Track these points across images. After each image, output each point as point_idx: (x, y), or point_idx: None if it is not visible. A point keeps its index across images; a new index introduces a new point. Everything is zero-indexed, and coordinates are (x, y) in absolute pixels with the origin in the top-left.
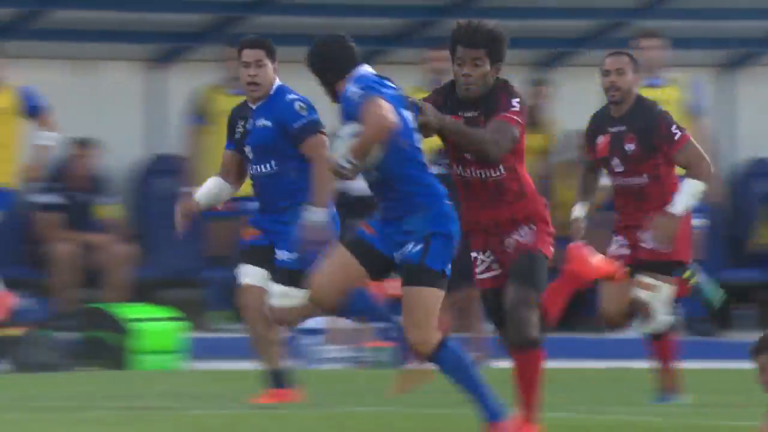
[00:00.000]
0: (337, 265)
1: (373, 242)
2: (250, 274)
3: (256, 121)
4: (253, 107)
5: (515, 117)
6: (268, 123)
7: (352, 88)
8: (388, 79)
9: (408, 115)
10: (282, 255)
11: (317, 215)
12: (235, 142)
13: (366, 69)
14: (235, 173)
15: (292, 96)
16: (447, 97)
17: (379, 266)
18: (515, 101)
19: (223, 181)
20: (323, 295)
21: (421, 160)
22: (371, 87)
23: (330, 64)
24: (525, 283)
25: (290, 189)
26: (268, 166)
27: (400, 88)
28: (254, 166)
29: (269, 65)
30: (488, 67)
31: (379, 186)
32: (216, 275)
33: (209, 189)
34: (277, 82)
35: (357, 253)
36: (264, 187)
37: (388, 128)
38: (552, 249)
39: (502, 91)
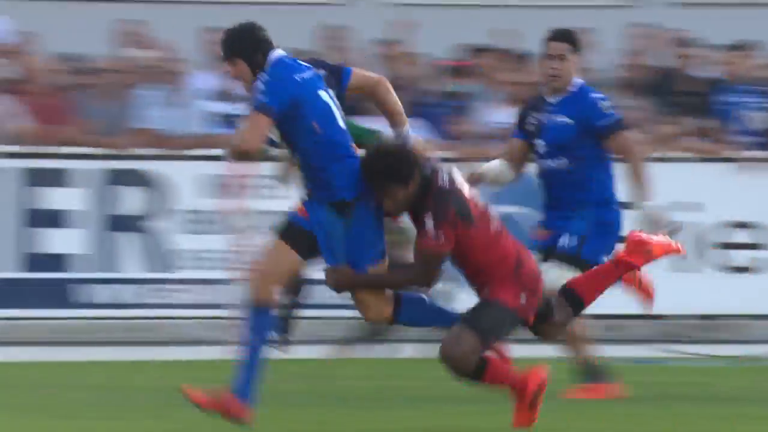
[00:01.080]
0: (272, 256)
1: (302, 224)
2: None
3: (556, 117)
4: (552, 102)
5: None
6: (569, 120)
7: (260, 79)
8: (307, 62)
9: (326, 96)
10: (564, 241)
11: (651, 206)
12: (526, 134)
13: (280, 53)
14: (518, 161)
15: (595, 95)
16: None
17: (309, 246)
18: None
19: (507, 164)
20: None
21: (337, 141)
22: (269, 83)
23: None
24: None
25: (581, 186)
26: (561, 162)
27: (324, 65)
28: (545, 161)
29: (572, 59)
30: None
31: (301, 168)
32: None
33: (495, 166)
34: (579, 80)
35: (288, 238)
36: (554, 182)
37: (244, 150)
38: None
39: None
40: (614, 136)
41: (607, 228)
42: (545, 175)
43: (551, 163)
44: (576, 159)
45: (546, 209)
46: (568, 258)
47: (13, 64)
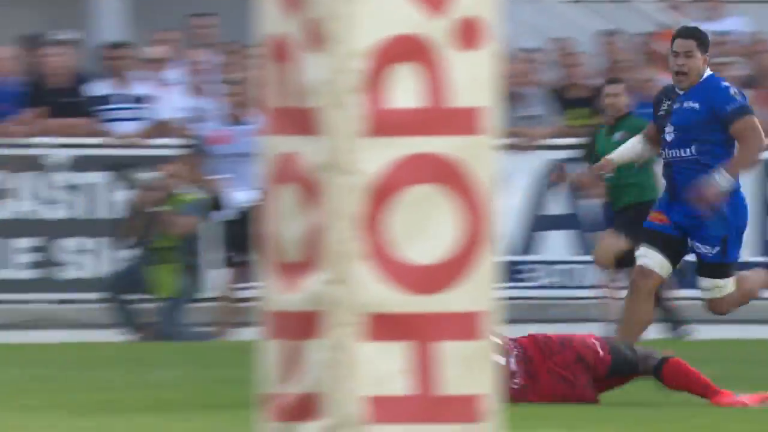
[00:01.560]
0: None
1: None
2: (650, 257)
3: (684, 102)
4: (682, 91)
5: None
6: (696, 105)
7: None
8: None
9: None
10: (702, 248)
11: (723, 180)
12: (657, 119)
13: None
14: (655, 141)
15: (725, 83)
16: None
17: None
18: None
19: (645, 142)
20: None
21: None
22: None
23: None
24: None
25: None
26: (687, 150)
27: None
28: (671, 151)
29: (698, 56)
30: None
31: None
32: None
33: (631, 145)
34: (708, 72)
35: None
36: (678, 172)
37: None
38: None
39: None
40: (738, 122)
41: (740, 221)
42: (671, 164)
43: (678, 152)
44: (702, 146)
45: (668, 199)
46: (716, 266)
47: (749, 62)
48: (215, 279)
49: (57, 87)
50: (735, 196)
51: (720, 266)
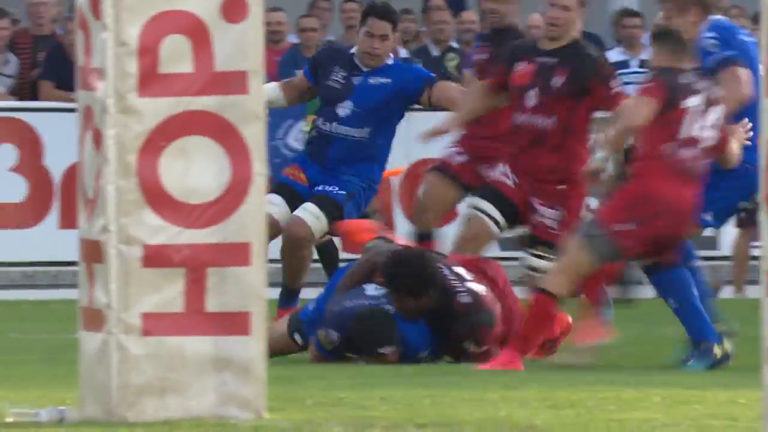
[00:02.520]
0: None
1: None
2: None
3: (369, 79)
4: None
5: None
6: (388, 80)
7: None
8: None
9: None
10: (327, 187)
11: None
12: (325, 87)
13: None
14: (294, 97)
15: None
16: None
17: None
18: None
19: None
20: None
21: None
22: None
23: None
24: None
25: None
26: (361, 131)
27: None
28: (341, 127)
29: (392, 38)
30: None
31: None
32: None
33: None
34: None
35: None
36: (337, 150)
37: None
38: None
39: None
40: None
41: None
42: (328, 139)
43: (348, 130)
44: (378, 129)
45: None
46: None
47: None
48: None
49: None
50: None
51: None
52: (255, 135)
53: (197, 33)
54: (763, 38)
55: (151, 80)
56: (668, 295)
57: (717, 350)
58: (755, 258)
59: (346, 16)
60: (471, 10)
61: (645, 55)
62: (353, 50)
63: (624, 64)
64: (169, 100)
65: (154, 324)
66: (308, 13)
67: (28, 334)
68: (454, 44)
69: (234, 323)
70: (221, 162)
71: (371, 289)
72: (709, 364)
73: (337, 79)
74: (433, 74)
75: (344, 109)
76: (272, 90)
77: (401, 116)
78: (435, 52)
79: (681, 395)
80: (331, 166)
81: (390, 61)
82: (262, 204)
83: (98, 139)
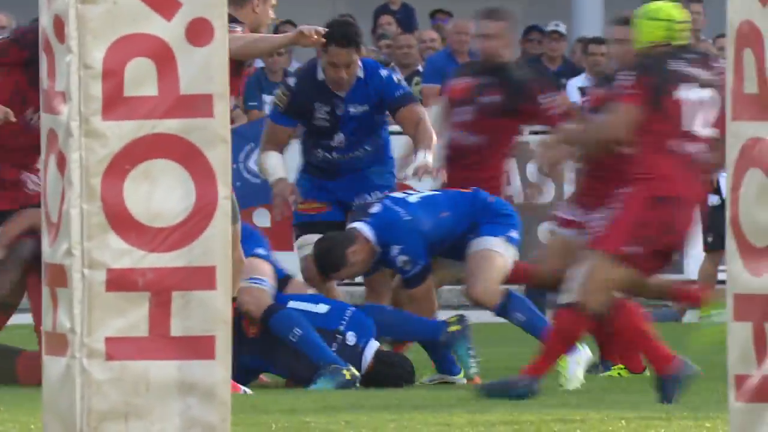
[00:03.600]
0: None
1: None
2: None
3: (349, 107)
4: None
5: None
6: (365, 106)
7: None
8: None
9: None
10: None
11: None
12: (311, 126)
13: None
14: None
15: (383, 71)
16: None
17: None
18: None
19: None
20: None
21: None
22: None
23: None
24: None
25: None
26: (361, 149)
27: None
28: (345, 153)
29: (357, 61)
30: None
31: None
32: None
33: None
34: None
35: None
36: (348, 165)
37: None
38: None
39: None
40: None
41: None
42: (338, 163)
43: (351, 153)
44: (376, 138)
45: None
46: None
47: None
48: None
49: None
50: None
51: None
52: (220, 158)
53: (162, 56)
54: (729, 60)
55: (115, 103)
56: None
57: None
58: (722, 282)
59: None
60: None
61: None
62: (321, 76)
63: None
64: (133, 123)
65: (118, 348)
66: None
67: None
68: (419, 68)
69: (199, 347)
70: (186, 185)
71: None
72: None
73: (322, 116)
74: (408, 91)
75: (338, 140)
76: (280, 166)
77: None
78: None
79: (647, 419)
80: (350, 176)
81: (361, 73)
82: (228, 228)
83: (62, 163)
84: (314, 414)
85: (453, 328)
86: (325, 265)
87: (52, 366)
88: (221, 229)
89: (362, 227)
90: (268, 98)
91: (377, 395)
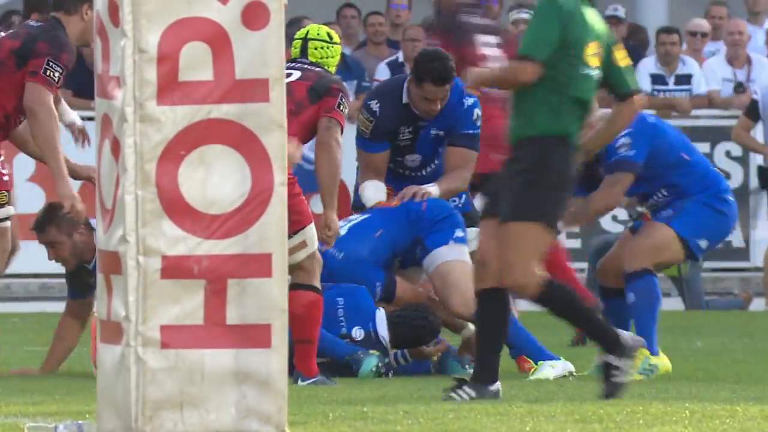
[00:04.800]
0: None
1: None
2: None
3: (430, 131)
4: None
5: None
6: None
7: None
8: None
9: None
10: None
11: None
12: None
13: None
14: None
15: (466, 103)
16: None
17: None
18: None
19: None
20: None
21: None
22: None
23: None
24: None
25: None
26: (428, 168)
27: None
28: (415, 172)
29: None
30: None
31: None
32: None
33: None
34: None
35: None
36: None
37: None
38: None
39: None
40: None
41: None
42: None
43: (422, 172)
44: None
45: None
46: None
47: None
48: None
49: None
50: None
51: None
52: (276, 144)
53: (217, 40)
54: None
55: (170, 88)
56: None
57: None
58: None
59: (373, 30)
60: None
61: (681, 68)
62: (406, 100)
63: (657, 78)
64: (188, 108)
65: (173, 337)
66: (335, 22)
67: (47, 347)
68: None
69: (255, 336)
70: (242, 171)
71: None
72: None
73: (405, 137)
74: (476, 133)
75: (413, 159)
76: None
77: None
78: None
79: (711, 409)
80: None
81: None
82: (284, 214)
83: (116, 148)
84: (372, 404)
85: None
86: None
87: (107, 354)
88: (277, 216)
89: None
90: None
91: (436, 385)
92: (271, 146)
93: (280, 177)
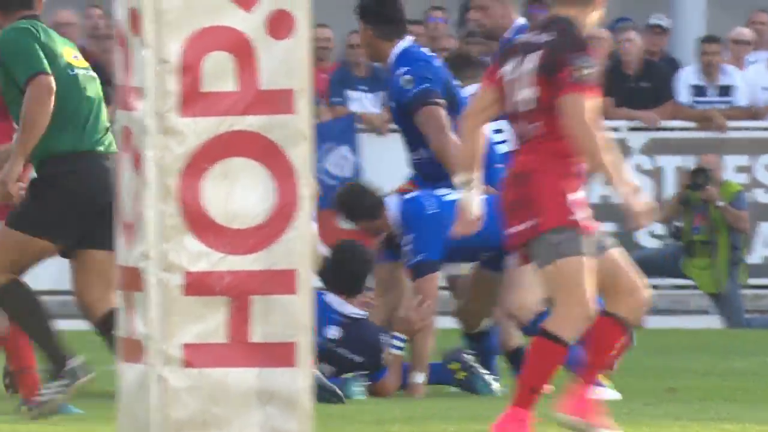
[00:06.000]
0: None
1: None
2: None
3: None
4: None
5: None
6: None
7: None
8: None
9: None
10: None
11: None
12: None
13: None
14: None
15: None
16: None
17: None
18: None
19: None
20: None
21: None
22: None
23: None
24: None
25: None
26: None
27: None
28: None
29: None
30: None
31: None
32: None
33: None
34: None
35: None
36: None
37: None
38: None
39: None
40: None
41: None
42: None
43: None
44: None
45: None
46: None
47: None
48: None
49: (630, 73)
50: None
51: None
52: (301, 156)
53: (241, 50)
54: None
55: (193, 99)
56: None
57: None
58: None
59: None
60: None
61: (723, 78)
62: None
63: (699, 89)
64: (211, 119)
65: (196, 355)
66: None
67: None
68: None
69: (279, 354)
70: (266, 185)
71: None
72: None
73: None
74: None
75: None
76: None
77: None
78: None
79: (749, 431)
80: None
81: None
82: (309, 228)
83: (137, 162)
84: (401, 424)
85: (460, 375)
86: (356, 207)
87: (128, 373)
88: (302, 230)
89: (390, 202)
90: (353, 94)
91: (466, 406)
92: (297, 159)
93: (305, 191)
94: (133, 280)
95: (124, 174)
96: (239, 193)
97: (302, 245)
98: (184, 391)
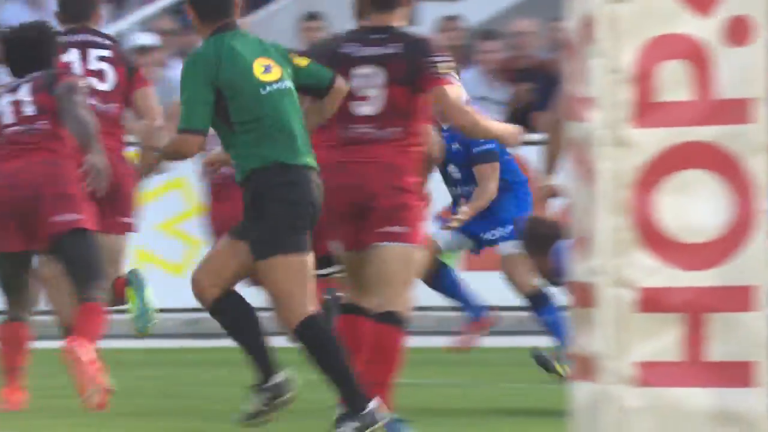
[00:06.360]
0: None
1: None
2: None
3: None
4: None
5: None
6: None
7: None
8: None
9: None
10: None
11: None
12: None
13: None
14: None
15: None
16: None
17: None
18: None
19: None
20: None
21: None
22: None
23: None
24: None
25: None
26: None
27: None
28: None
29: None
30: None
31: None
32: None
33: None
34: None
35: None
36: None
37: None
38: None
39: None
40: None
41: None
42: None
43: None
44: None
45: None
46: None
47: None
48: None
49: None
50: None
51: None
52: (760, 168)
53: (697, 57)
54: None
55: (645, 110)
56: None
57: None
58: None
59: None
60: None
61: None
62: None
63: None
64: (664, 130)
65: (652, 374)
66: None
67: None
68: None
69: (736, 374)
70: (723, 197)
71: None
72: None
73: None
74: None
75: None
76: None
77: None
78: None
79: None
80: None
81: None
82: (765, 243)
83: (590, 174)
84: None
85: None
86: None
87: (581, 391)
88: (760, 245)
89: None
90: None
91: None
92: (754, 170)
93: (762, 203)
94: (586, 295)
95: (577, 186)
96: (694, 206)
97: (758, 261)
98: (640, 411)
